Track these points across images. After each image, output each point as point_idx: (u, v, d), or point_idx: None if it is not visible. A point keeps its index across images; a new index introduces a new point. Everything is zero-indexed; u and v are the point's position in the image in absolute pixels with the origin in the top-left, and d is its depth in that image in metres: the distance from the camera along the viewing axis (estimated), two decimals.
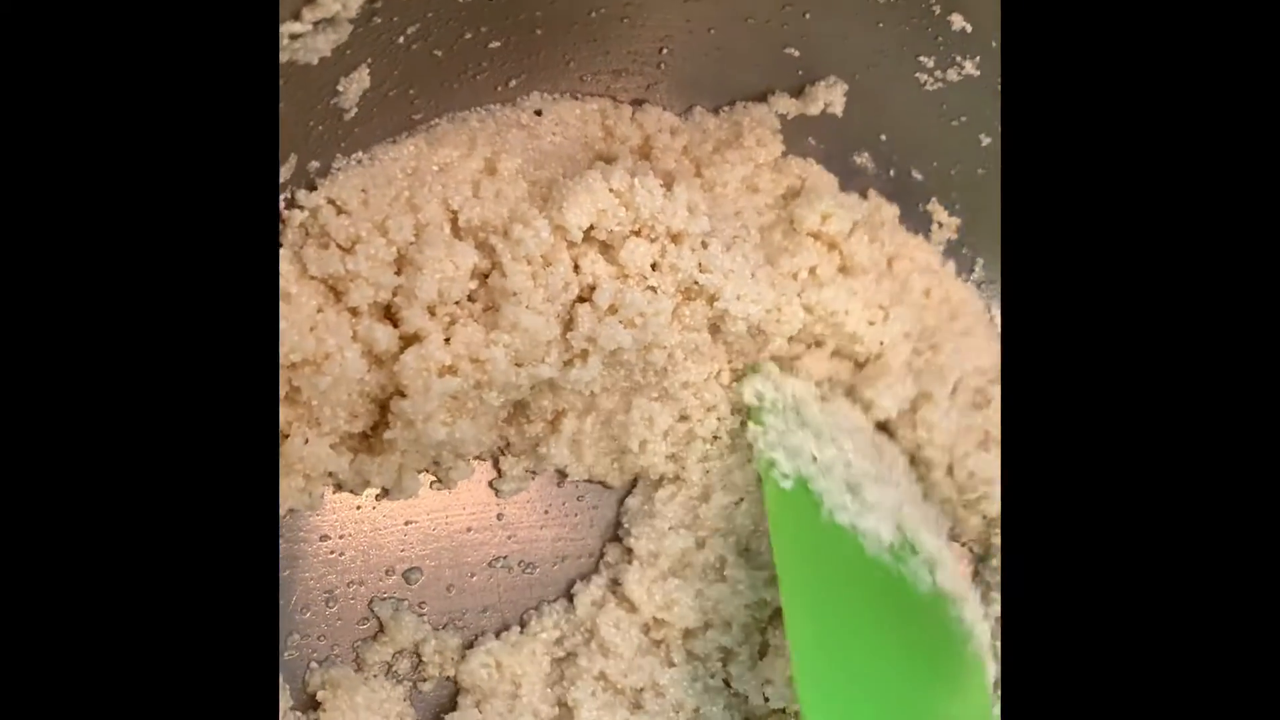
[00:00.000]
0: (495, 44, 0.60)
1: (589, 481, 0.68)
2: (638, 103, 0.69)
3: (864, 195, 0.73)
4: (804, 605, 0.59)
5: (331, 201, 0.58)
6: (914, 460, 0.72)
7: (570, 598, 0.67)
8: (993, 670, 0.59)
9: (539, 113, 0.65)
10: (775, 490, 0.63)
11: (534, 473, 0.68)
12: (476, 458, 0.66)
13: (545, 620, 0.66)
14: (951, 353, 0.71)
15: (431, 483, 0.66)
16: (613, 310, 0.61)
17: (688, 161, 0.68)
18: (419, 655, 0.64)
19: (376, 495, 0.64)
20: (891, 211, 0.72)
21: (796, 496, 0.63)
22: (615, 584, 0.67)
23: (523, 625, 0.66)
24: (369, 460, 0.62)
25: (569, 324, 0.61)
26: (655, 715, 0.64)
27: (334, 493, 0.64)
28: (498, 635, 0.66)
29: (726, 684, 0.66)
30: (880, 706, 0.57)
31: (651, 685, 0.65)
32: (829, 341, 0.69)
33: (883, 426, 0.72)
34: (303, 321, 0.56)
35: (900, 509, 0.64)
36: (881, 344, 0.69)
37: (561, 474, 0.68)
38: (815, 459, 0.64)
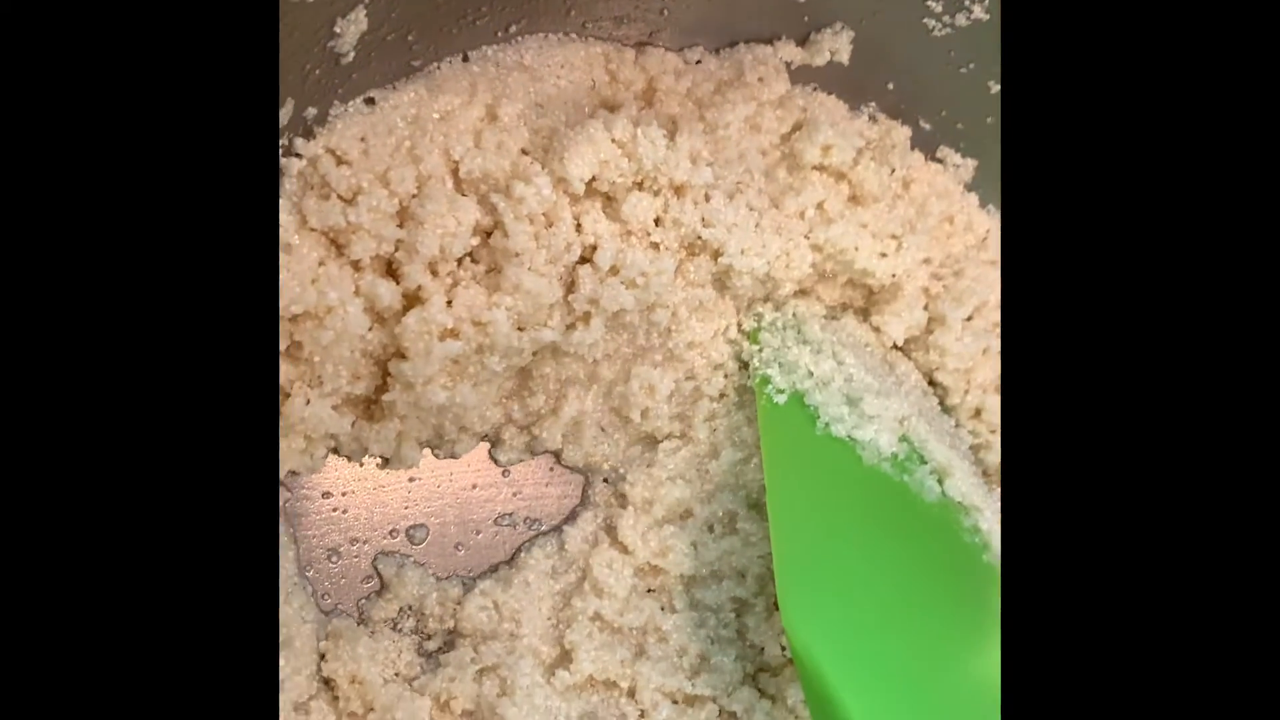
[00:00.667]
0: None
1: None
2: (640, 46, 0.68)
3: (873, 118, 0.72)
4: (791, 518, 0.59)
5: (331, 151, 0.57)
6: (931, 383, 0.71)
7: (560, 531, 0.67)
8: None
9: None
10: (768, 405, 0.63)
11: (533, 452, 0.67)
12: (479, 434, 0.65)
13: (536, 553, 0.65)
14: (973, 280, 0.70)
15: (433, 451, 0.65)
16: (614, 271, 0.60)
17: (691, 104, 0.66)
18: (423, 611, 0.64)
19: (377, 464, 0.64)
20: (903, 134, 0.70)
21: (790, 411, 0.62)
22: (609, 527, 0.66)
23: (512, 561, 0.66)
24: (368, 426, 0.61)
25: (571, 286, 0.60)
26: (658, 660, 0.63)
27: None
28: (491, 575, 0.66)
29: (740, 635, 0.65)
30: (869, 612, 0.56)
31: (654, 629, 0.64)
32: (841, 275, 0.69)
33: (899, 347, 0.71)
34: (304, 274, 0.54)
35: (907, 420, 0.63)
36: (894, 276, 0.68)
37: (557, 456, 0.67)
38: (811, 373, 0.63)
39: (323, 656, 0.61)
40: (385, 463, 0.63)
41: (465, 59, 0.62)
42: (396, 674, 0.62)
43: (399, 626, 0.64)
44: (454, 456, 0.65)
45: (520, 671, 0.62)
